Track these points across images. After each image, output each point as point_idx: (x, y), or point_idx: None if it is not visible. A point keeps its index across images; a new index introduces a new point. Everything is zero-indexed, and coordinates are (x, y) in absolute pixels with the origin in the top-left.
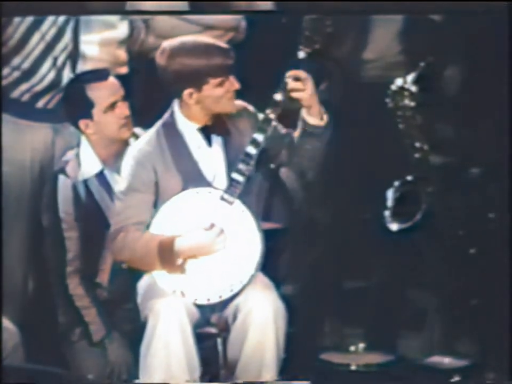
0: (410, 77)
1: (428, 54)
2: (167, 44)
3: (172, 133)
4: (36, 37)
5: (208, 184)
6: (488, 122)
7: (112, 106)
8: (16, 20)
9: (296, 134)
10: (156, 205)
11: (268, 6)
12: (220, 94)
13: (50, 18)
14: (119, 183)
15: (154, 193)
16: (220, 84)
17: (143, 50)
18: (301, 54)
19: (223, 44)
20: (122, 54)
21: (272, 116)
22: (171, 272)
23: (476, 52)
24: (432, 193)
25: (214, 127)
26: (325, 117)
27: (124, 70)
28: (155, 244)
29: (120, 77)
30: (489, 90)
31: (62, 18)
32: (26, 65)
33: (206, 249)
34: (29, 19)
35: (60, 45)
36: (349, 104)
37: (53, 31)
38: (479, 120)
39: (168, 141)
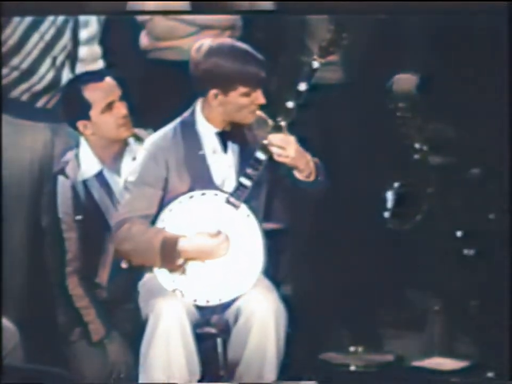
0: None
1: (428, 55)
2: (206, 41)
3: (189, 132)
4: (35, 37)
5: (216, 189)
6: (488, 123)
7: (110, 106)
8: (16, 19)
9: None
10: (162, 201)
11: (268, 6)
12: (244, 104)
13: (50, 18)
14: (130, 174)
15: (163, 189)
16: (247, 94)
17: (143, 50)
18: (315, 64)
19: (259, 55)
20: (97, 50)
21: (283, 123)
22: (170, 271)
23: (476, 52)
24: (431, 194)
25: (232, 133)
26: (313, 174)
27: (99, 63)
28: (159, 240)
29: (118, 78)
30: (489, 90)
31: (61, 18)
32: (25, 65)
33: (208, 254)
34: (28, 19)
35: (59, 45)
36: (348, 105)
37: (52, 31)
38: (479, 120)
39: (185, 139)
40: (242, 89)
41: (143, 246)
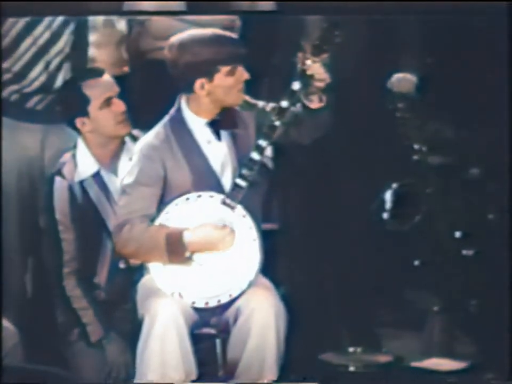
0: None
1: (427, 54)
2: (175, 38)
3: (179, 128)
4: (28, 41)
5: (217, 179)
6: (487, 123)
7: (108, 102)
8: (9, 21)
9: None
10: (162, 200)
11: (268, 6)
12: (231, 84)
13: (44, 23)
14: (126, 176)
15: (162, 188)
16: (231, 73)
17: (141, 51)
18: (309, 62)
19: (232, 34)
20: (122, 54)
21: (277, 123)
22: (178, 264)
23: (475, 52)
24: (431, 194)
25: (222, 121)
26: (324, 99)
27: (125, 69)
28: (162, 235)
29: (117, 77)
30: (489, 90)
31: (57, 22)
32: (16, 68)
33: (214, 245)
34: (22, 22)
35: (54, 49)
36: (347, 106)
37: (46, 35)
38: (479, 120)
39: (176, 136)
40: (224, 69)
41: (147, 244)
